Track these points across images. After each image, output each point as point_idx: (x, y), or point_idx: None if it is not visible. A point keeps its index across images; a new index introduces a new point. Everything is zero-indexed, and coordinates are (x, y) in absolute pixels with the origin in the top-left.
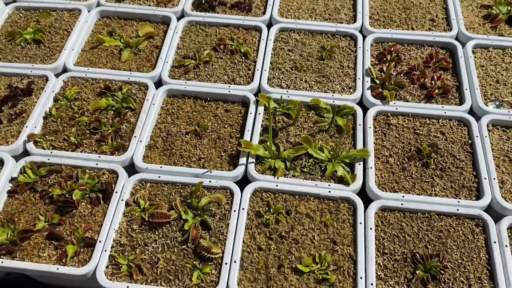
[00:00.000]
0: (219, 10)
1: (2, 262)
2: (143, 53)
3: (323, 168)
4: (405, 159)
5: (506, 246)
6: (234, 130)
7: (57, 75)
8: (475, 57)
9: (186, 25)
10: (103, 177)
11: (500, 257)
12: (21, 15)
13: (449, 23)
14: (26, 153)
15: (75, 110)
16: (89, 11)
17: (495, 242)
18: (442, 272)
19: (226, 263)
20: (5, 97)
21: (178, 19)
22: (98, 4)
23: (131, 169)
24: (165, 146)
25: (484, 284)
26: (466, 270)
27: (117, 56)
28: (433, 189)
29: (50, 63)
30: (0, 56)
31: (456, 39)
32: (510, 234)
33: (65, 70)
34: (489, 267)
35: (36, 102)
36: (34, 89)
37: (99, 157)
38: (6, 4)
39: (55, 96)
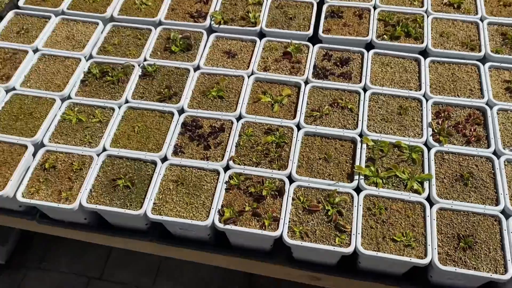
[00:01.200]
0: (330, 78)
1: (231, 227)
2: (285, 106)
3: (405, 184)
4: (453, 180)
5: None
6: (348, 158)
7: (237, 119)
8: (498, 116)
9: (310, 88)
10: (276, 183)
11: None
12: (205, 78)
13: (482, 92)
14: (228, 167)
15: (253, 142)
16: (248, 77)
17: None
18: (474, 244)
19: (353, 234)
20: (209, 132)
21: (305, 84)
22: (252, 73)
23: (291, 179)
24: (307, 166)
25: None
26: (487, 247)
27: (270, 108)
28: (470, 199)
29: (232, 112)
30: (199, 106)
31: (487, 104)
32: None
33: (240, 117)
34: None
35: (228, 136)
36: (225, 128)
37: (272, 171)
38: (195, 69)
39: (240, 132)
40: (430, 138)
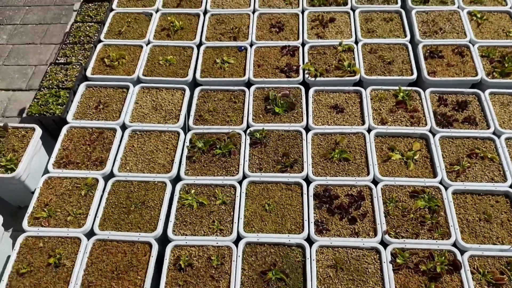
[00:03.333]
0: (455, 126)
1: None
2: (419, 162)
3: None
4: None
5: None
6: (510, 216)
7: (374, 184)
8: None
9: (440, 139)
10: (445, 255)
11: None
12: (321, 140)
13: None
14: (384, 243)
15: (402, 209)
16: (369, 133)
17: None
18: None
19: None
20: (349, 203)
21: (433, 134)
22: (370, 129)
23: (457, 247)
24: (469, 230)
25: None
26: None
27: (404, 166)
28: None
29: (364, 176)
30: (326, 172)
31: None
32: None
33: (375, 181)
34: None
35: (371, 204)
36: (364, 195)
37: (436, 242)
38: (307, 130)
39: (383, 199)
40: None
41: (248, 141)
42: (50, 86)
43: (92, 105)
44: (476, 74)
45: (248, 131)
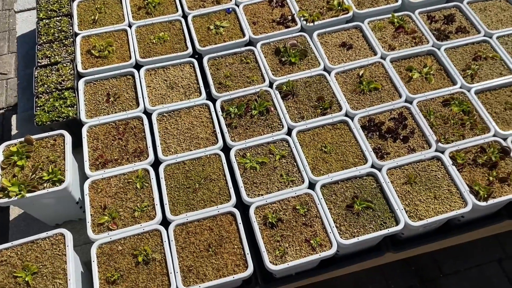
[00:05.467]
0: (451, 37)
1: None
2: (436, 75)
3: None
4: None
5: None
6: None
7: (409, 102)
8: None
9: (445, 51)
10: None
11: None
12: (344, 77)
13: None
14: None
15: (442, 118)
16: (385, 60)
17: None
18: None
19: None
20: (395, 124)
21: (438, 49)
22: (382, 57)
23: None
24: None
25: None
26: None
27: (426, 82)
28: None
29: (398, 98)
30: (362, 105)
31: None
32: None
33: (407, 100)
34: None
35: (415, 121)
36: (405, 115)
37: (481, 137)
38: (328, 72)
39: (424, 114)
40: None
41: (279, 95)
42: (48, 90)
43: (101, 99)
44: None
45: (274, 86)
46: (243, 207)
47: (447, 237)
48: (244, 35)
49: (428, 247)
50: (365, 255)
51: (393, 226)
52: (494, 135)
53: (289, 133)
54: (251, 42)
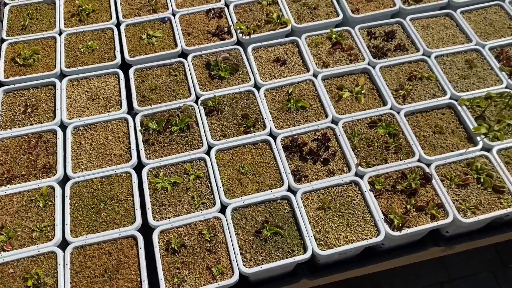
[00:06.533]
0: (389, 55)
1: (407, 231)
2: (368, 95)
3: None
4: None
5: None
6: (457, 124)
7: (335, 123)
8: None
9: (380, 70)
10: (416, 171)
11: None
12: (273, 94)
13: None
14: (359, 174)
15: (365, 140)
16: (316, 78)
17: None
18: None
19: None
20: (317, 146)
21: (373, 67)
22: (315, 74)
23: (422, 162)
24: (428, 145)
25: None
26: None
27: (355, 101)
28: None
29: (324, 119)
30: (287, 124)
31: None
32: None
33: (334, 120)
34: None
35: (338, 143)
36: (329, 136)
37: (404, 162)
38: (257, 88)
39: (347, 136)
40: (510, 81)
41: (203, 111)
42: None
43: (18, 110)
44: (394, 5)
45: (199, 101)
46: (150, 230)
47: (366, 265)
48: (176, 46)
49: (351, 273)
50: (280, 280)
51: (300, 254)
52: (418, 160)
53: (209, 151)
54: (184, 54)
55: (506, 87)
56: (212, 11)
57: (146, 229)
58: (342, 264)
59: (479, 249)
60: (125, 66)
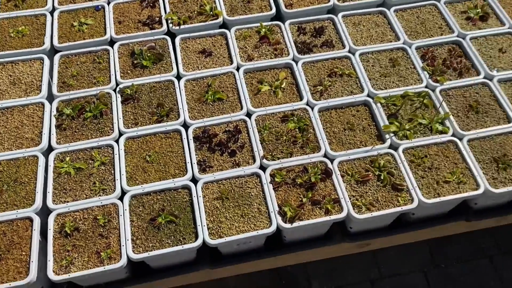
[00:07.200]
0: (315, 51)
1: (298, 224)
2: (287, 89)
3: (430, 128)
4: (466, 111)
5: None
6: (370, 121)
7: (248, 116)
8: (473, 44)
9: (303, 65)
10: (318, 166)
11: None
12: (193, 85)
13: (450, 27)
14: (264, 167)
15: (275, 134)
16: (238, 71)
17: None
18: (510, 161)
19: (411, 189)
20: (227, 138)
21: (295, 62)
22: (238, 66)
23: (328, 157)
24: (337, 141)
25: None
26: None
27: (273, 96)
28: (487, 124)
29: (239, 111)
30: (202, 115)
31: (458, 36)
32: None
33: (249, 113)
34: None
35: (248, 135)
36: (240, 128)
37: (309, 156)
38: (178, 79)
39: (258, 128)
40: (430, 81)
41: (119, 99)
42: None
43: None
44: (329, 0)
45: (117, 89)
46: (49, 213)
47: (261, 258)
48: (105, 34)
49: (252, 264)
50: (185, 268)
51: (191, 243)
52: (324, 155)
53: (119, 137)
54: (113, 42)
55: (425, 87)
56: (146, 0)
57: (48, 212)
58: (244, 255)
59: (412, 248)
60: (56, 53)
